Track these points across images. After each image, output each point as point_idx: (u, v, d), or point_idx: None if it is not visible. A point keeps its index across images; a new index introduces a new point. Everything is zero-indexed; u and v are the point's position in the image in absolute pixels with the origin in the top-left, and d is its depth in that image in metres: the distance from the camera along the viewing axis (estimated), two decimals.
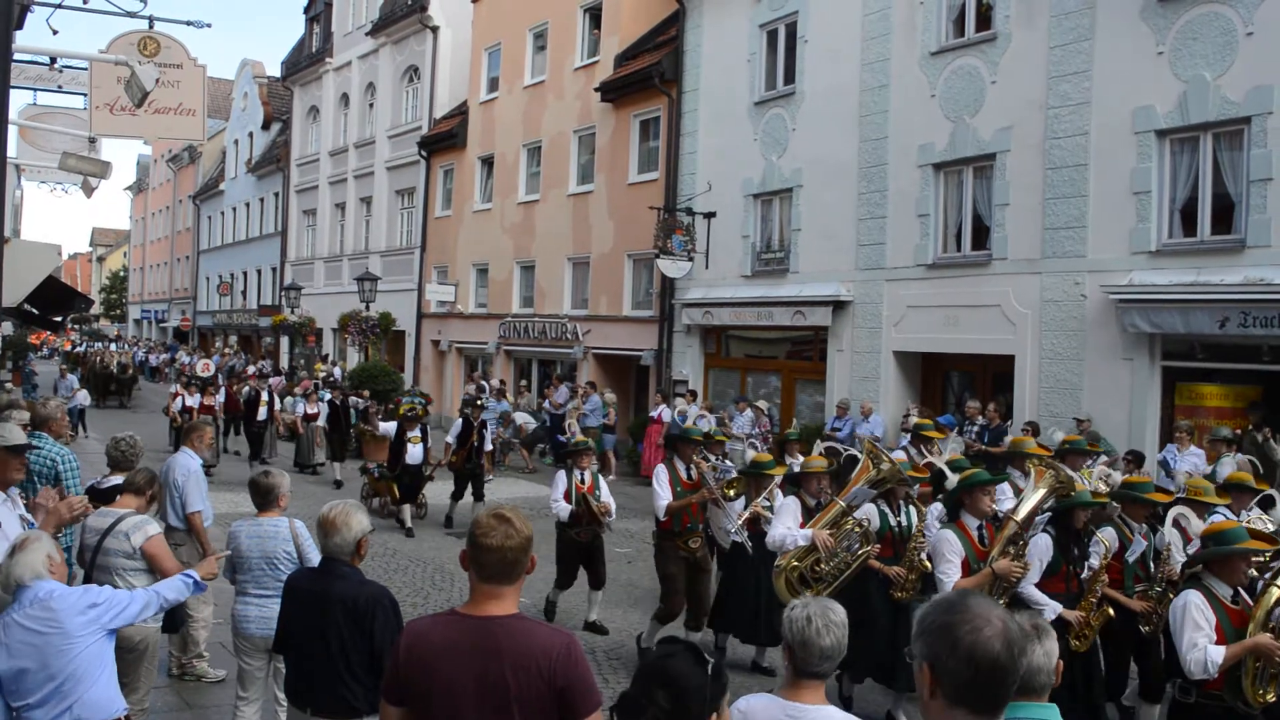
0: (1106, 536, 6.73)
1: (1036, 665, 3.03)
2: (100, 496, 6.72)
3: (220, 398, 21.97)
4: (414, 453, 14.84)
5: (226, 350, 42.31)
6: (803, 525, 7.39)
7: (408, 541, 14.10)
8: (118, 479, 6.87)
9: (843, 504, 7.27)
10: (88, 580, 6.28)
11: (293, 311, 33.79)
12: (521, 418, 22.45)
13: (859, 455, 8.21)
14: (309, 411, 20.50)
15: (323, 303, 35.33)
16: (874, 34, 17.30)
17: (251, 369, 31.18)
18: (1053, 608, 6.40)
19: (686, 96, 21.44)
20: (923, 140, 16.41)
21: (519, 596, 3.26)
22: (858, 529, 7.21)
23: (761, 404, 18.00)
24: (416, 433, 14.95)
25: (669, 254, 19.86)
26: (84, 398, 26.28)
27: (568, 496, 9.60)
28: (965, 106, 15.81)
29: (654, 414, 19.75)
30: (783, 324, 18.84)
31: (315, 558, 5.90)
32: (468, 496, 14.87)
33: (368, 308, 27.24)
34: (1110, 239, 13.92)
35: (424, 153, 31.40)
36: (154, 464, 7.67)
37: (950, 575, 6.50)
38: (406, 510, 14.78)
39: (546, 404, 22.70)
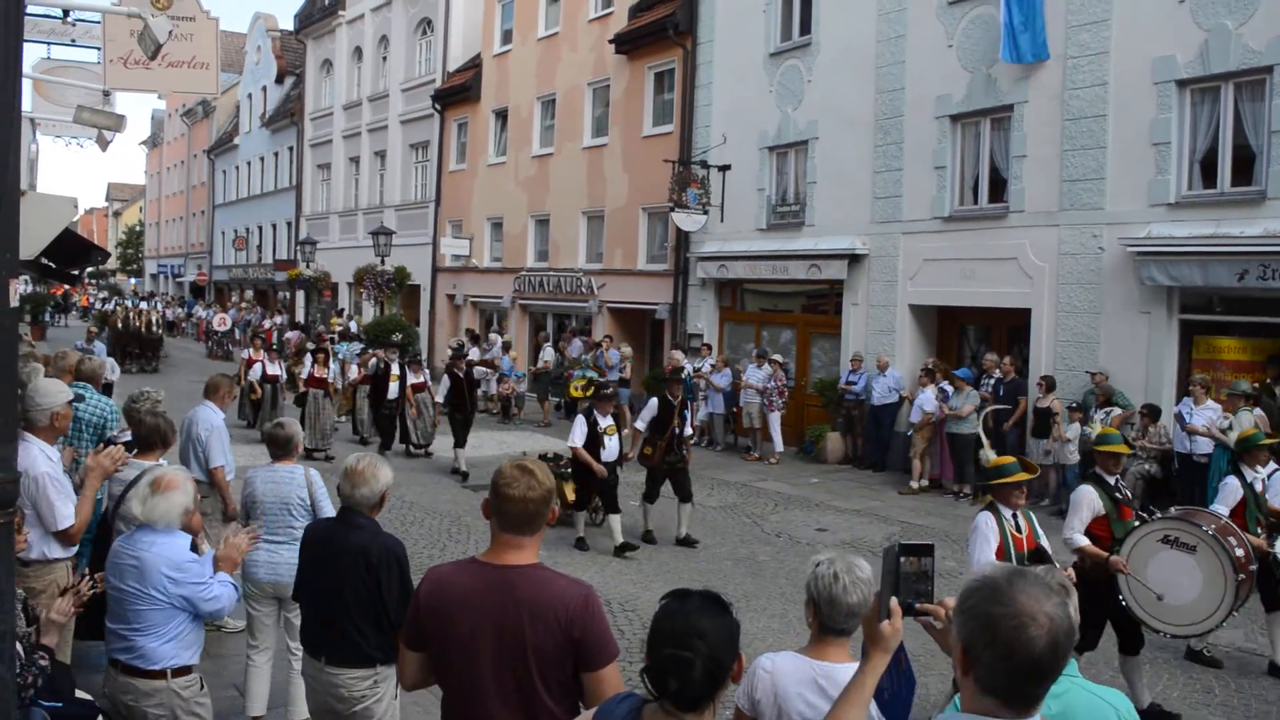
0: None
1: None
2: None
3: (335, 368, 18.52)
4: (613, 446, 11.12)
5: (243, 305, 42.45)
6: None
7: (425, 493, 14.02)
8: (129, 436, 6.96)
9: None
10: (107, 527, 6.39)
11: (308, 266, 33.86)
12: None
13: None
14: (414, 381, 17.59)
15: (338, 257, 35.36)
16: None
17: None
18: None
19: (701, 48, 21.24)
20: (940, 91, 16.23)
21: (539, 547, 3.31)
22: None
23: (778, 357, 17.98)
24: (610, 420, 11.18)
25: (684, 207, 19.78)
26: (112, 369, 19.86)
27: (1002, 553, 5.92)
28: (983, 57, 15.60)
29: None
30: (798, 277, 18.77)
31: (328, 508, 6.09)
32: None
33: (383, 261, 27.31)
34: (1128, 191, 13.78)
35: (438, 106, 31.25)
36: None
37: None
38: (581, 519, 11.50)
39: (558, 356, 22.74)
